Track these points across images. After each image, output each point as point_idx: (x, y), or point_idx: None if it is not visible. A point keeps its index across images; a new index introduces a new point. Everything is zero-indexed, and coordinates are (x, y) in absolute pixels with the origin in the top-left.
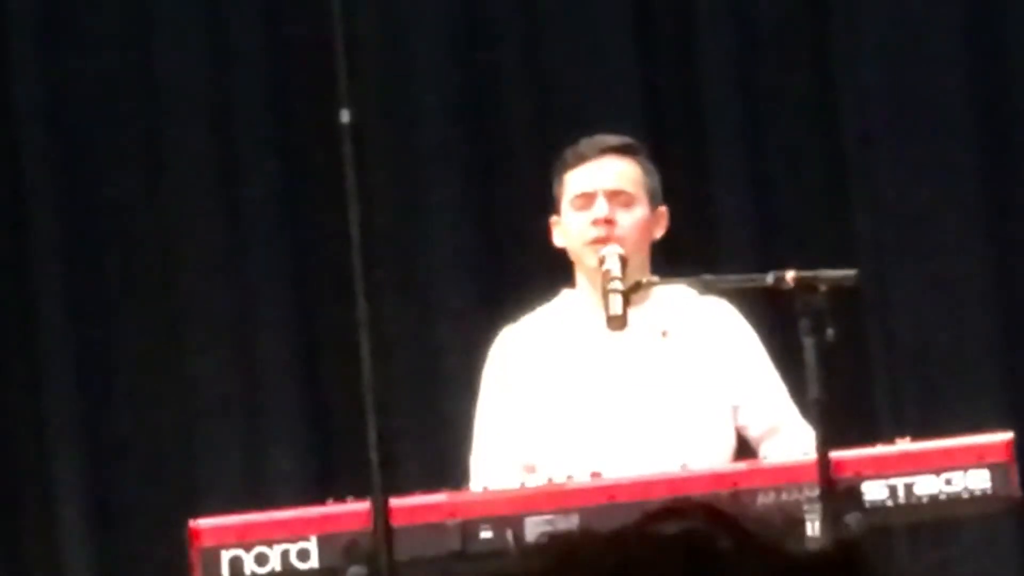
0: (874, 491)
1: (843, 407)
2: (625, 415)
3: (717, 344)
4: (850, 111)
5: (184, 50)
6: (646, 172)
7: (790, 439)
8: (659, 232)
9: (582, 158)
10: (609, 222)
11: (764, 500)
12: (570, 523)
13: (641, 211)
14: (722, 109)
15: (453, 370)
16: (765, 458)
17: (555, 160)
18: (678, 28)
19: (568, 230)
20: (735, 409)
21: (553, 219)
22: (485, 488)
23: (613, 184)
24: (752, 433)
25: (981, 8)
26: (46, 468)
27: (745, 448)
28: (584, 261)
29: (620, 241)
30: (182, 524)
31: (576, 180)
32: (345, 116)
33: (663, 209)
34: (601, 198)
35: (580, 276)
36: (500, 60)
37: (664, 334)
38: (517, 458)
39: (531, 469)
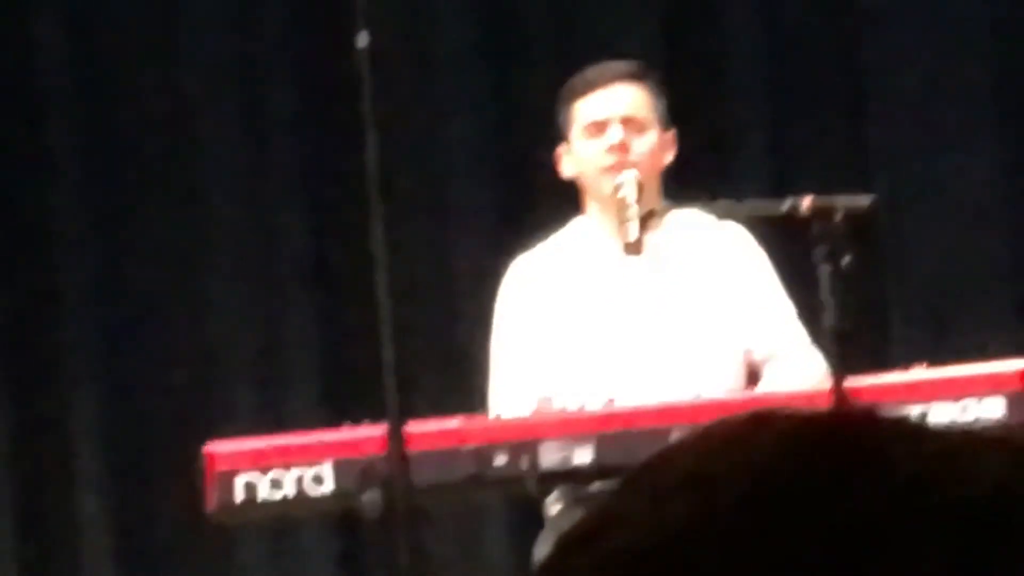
0: None
1: (858, 334)
2: (638, 341)
3: (729, 269)
4: (869, 35)
5: None
6: (655, 96)
7: (794, 363)
8: (669, 156)
9: (592, 85)
10: (624, 148)
11: None
12: (585, 450)
13: (654, 136)
14: (741, 32)
15: (469, 294)
16: (773, 383)
17: (561, 89)
18: None
19: (581, 158)
20: (743, 332)
21: (561, 147)
22: (499, 414)
23: (627, 110)
24: (756, 356)
25: None
26: (63, 397)
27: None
28: (599, 189)
29: (636, 167)
30: (197, 448)
31: (588, 108)
32: (363, 39)
33: (672, 132)
34: (616, 125)
35: (591, 204)
36: None
37: (677, 259)
38: (534, 388)
39: (547, 400)
